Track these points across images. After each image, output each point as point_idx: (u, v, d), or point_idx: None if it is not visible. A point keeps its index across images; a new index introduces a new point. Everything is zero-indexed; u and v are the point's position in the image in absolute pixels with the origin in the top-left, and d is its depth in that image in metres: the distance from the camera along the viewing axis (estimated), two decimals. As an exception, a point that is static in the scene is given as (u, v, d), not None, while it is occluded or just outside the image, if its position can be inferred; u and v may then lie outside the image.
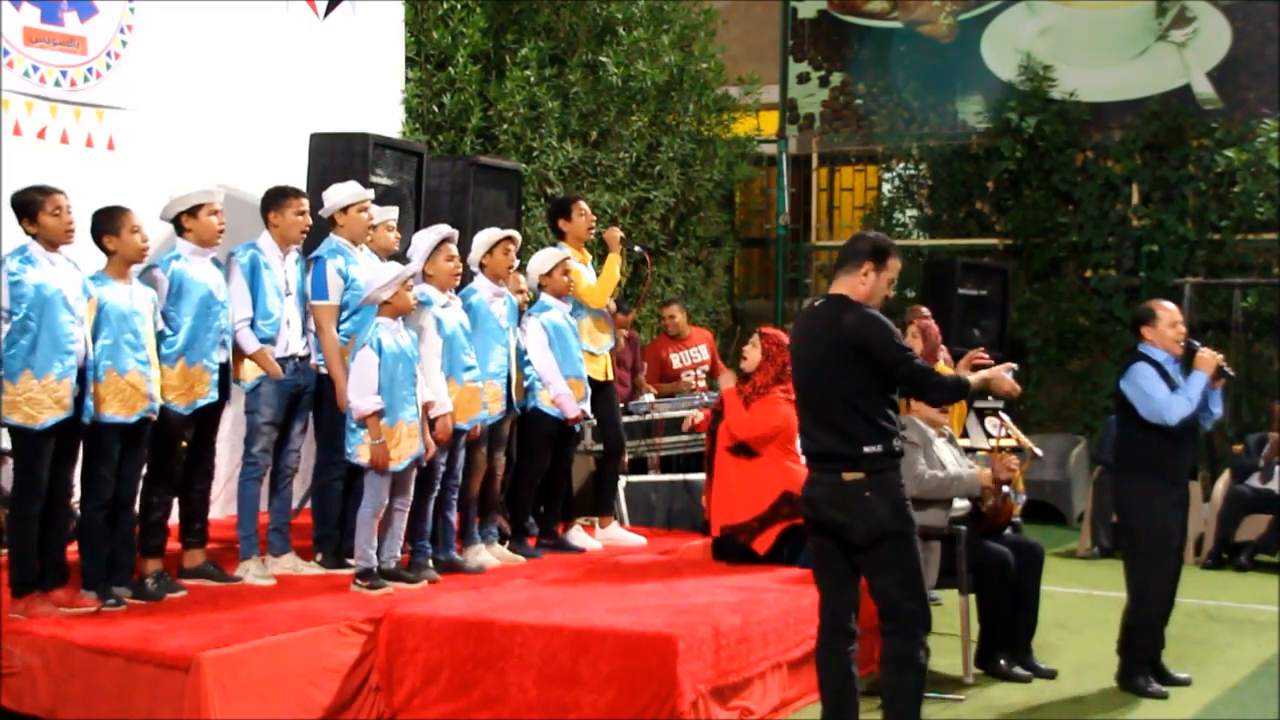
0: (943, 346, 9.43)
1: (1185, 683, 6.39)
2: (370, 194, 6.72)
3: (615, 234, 7.68)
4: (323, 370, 6.48)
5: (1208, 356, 6.30)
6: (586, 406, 7.28)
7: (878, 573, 4.75)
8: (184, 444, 6.08)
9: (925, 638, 4.76)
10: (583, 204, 7.62)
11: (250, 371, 6.26)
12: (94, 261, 5.68)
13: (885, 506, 4.67)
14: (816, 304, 4.99)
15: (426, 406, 6.25)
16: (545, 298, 7.22)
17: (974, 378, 4.96)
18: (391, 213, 7.06)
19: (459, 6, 10.21)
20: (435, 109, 10.09)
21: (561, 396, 7.05)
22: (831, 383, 4.75)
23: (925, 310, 9.38)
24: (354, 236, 6.62)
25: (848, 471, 4.69)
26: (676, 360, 9.82)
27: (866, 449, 4.67)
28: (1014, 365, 5.17)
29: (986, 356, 5.81)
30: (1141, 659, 6.33)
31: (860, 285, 4.83)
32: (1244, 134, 12.25)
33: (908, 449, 6.49)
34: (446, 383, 6.42)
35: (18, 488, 5.46)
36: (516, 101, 10.29)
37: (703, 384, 9.64)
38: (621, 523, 7.98)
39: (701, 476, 8.44)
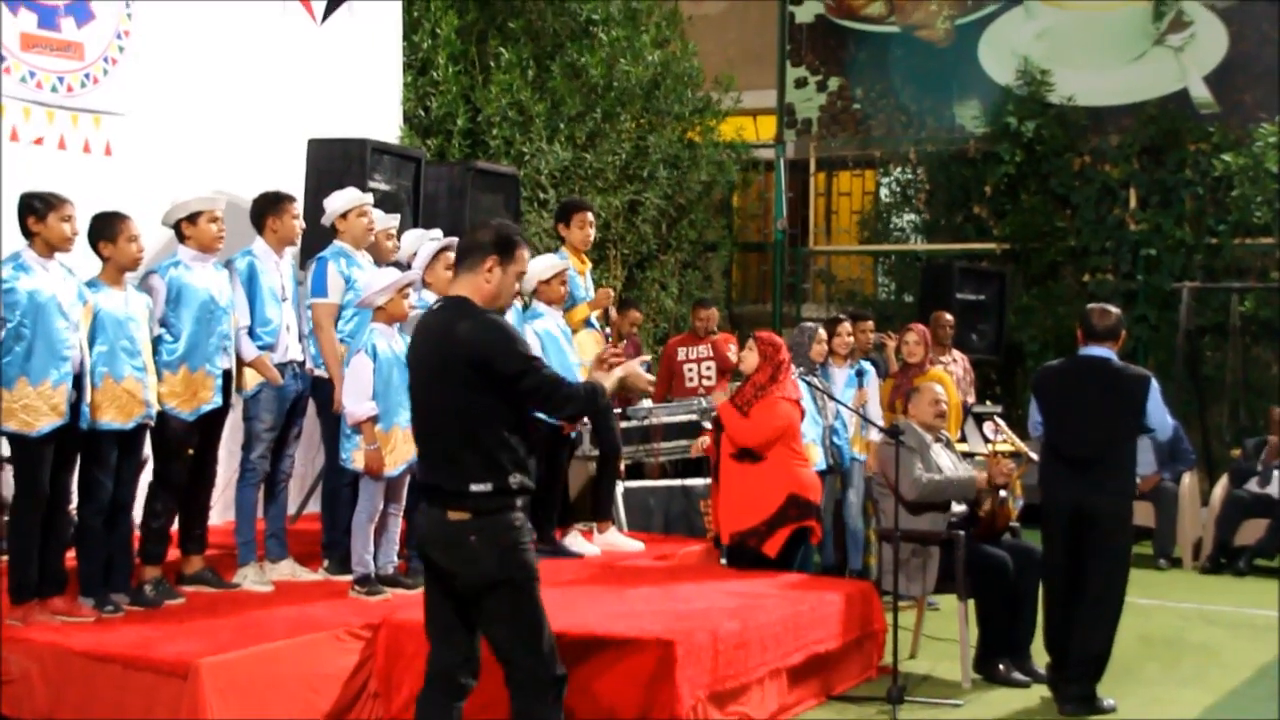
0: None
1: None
2: (369, 198, 6.74)
3: (606, 295, 7.76)
4: (319, 373, 6.48)
5: None
6: (582, 412, 7.27)
7: (489, 625, 4.21)
8: (190, 451, 6.07)
9: (554, 698, 4.19)
10: (589, 215, 7.65)
11: (250, 379, 6.26)
12: (89, 268, 5.68)
13: (492, 553, 4.11)
14: (435, 307, 4.36)
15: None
16: (539, 305, 7.21)
17: (608, 381, 4.39)
18: (392, 221, 7.07)
19: (431, 8, 10.21)
20: (422, 112, 10.10)
21: (559, 401, 7.03)
22: (442, 405, 4.14)
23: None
24: (356, 241, 6.65)
25: (453, 510, 4.12)
26: (682, 354, 9.84)
27: (474, 487, 4.08)
28: (646, 358, 4.85)
29: (621, 354, 5.32)
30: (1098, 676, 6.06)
31: (485, 284, 4.19)
32: (1241, 138, 12.23)
33: (904, 454, 6.52)
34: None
35: (19, 495, 5.47)
36: (504, 105, 10.29)
37: (710, 381, 9.61)
38: (620, 528, 7.97)
39: (699, 481, 8.45)
